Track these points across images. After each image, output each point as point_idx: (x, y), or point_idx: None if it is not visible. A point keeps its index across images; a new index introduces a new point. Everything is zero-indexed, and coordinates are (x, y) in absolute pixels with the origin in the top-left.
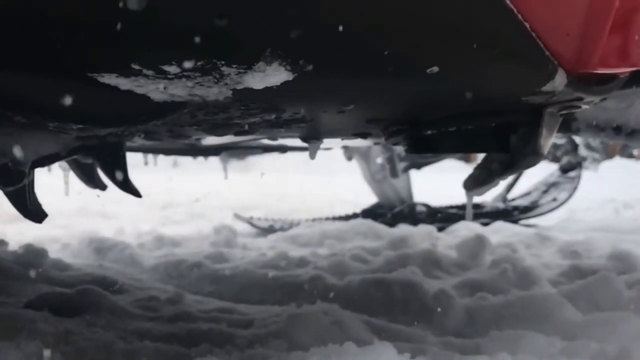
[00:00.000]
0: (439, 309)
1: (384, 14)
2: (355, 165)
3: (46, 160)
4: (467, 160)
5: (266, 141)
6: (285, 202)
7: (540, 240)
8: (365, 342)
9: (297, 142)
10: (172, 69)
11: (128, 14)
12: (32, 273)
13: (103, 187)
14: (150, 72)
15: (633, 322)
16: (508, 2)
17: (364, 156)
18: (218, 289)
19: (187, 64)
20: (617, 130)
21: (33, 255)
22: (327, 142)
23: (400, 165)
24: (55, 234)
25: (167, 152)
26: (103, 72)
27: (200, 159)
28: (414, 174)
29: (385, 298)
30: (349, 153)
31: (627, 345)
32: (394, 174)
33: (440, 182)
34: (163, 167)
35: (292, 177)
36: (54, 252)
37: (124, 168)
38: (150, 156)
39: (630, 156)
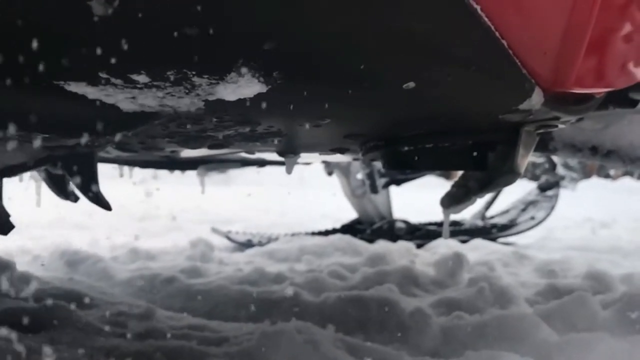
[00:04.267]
0: (415, 328)
1: (360, 30)
2: (335, 180)
3: (13, 171)
4: (448, 177)
5: (244, 155)
6: (265, 216)
7: (518, 258)
8: None
9: (276, 156)
10: (141, 78)
11: (94, 20)
12: None
13: (75, 199)
14: (118, 81)
15: (608, 343)
16: (486, 19)
17: (344, 171)
18: (191, 305)
19: (156, 74)
20: (594, 150)
21: None
22: (305, 156)
23: (380, 181)
24: (26, 246)
25: (143, 164)
26: (70, 80)
27: (178, 171)
28: (393, 190)
29: (361, 316)
30: (329, 168)
31: None
32: (374, 189)
33: (421, 198)
34: (143, 178)
35: (272, 190)
36: (23, 265)
37: (94, 180)
38: (126, 168)
39: (607, 176)
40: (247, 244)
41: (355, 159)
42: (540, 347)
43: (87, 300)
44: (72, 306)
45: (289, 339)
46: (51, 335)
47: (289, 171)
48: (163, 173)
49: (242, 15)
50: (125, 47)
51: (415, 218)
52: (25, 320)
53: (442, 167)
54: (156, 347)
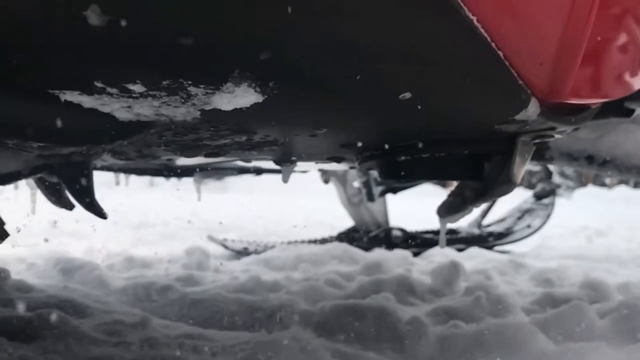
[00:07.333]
0: (411, 337)
1: (356, 40)
2: (332, 188)
3: (7, 179)
4: (444, 185)
5: (241, 163)
6: (262, 223)
7: (514, 267)
8: None
9: (272, 164)
10: (137, 87)
11: (89, 30)
12: None
13: (70, 207)
14: (114, 90)
15: (605, 353)
16: (482, 30)
17: (341, 179)
18: (187, 314)
19: (152, 83)
20: (590, 159)
21: None
22: (302, 165)
23: (377, 189)
24: (21, 254)
25: (139, 172)
26: (65, 89)
27: (175, 178)
28: (390, 198)
29: (357, 325)
30: (325, 176)
31: None
32: (371, 197)
33: (417, 206)
34: (139, 186)
35: (269, 198)
36: (17, 273)
37: (89, 188)
38: (122, 175)
39: (603, 184)
40: (243, 252)
41: (351, 168)
42: (537, 357)
43: (81, 308)
44: (67, 315)
45: (285, 348)
46: (45, 345)
47: (285, 180)
48: (159, 180)
49: (239, 26)
50: (121, 56)
51: (412, 226)
52: (19, 329)
53: (438, 177)
54: (151, 357)
